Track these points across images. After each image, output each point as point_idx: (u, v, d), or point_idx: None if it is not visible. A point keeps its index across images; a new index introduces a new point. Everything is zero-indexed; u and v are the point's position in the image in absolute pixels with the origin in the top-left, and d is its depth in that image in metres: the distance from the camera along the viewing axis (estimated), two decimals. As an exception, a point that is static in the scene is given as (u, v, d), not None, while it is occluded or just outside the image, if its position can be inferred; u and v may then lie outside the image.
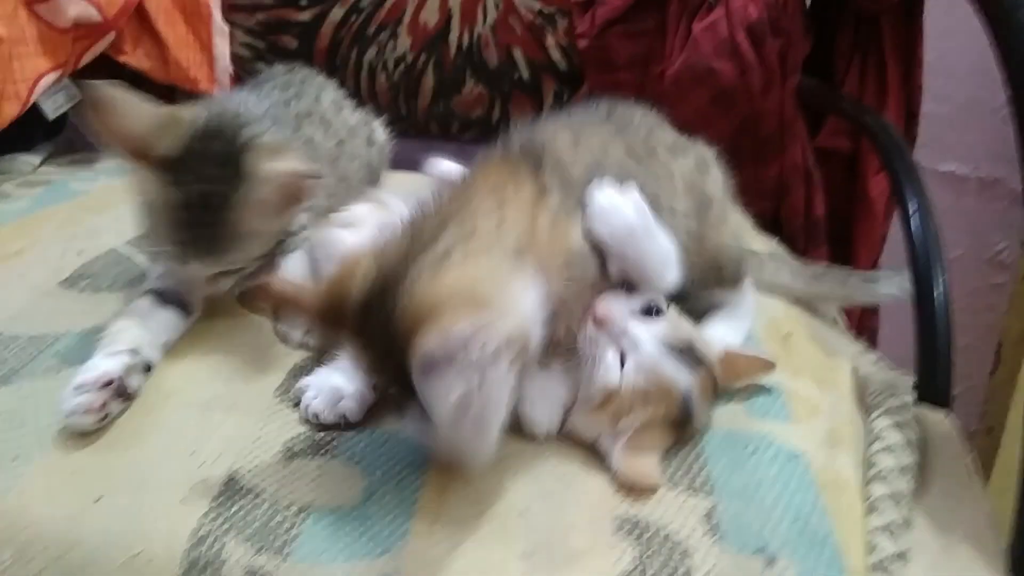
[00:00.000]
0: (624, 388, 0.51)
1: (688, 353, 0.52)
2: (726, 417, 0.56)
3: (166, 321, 0.61)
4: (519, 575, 0.45)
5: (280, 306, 0.57)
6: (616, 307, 0.53)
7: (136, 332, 0.58)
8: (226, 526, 0.46)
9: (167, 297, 0.62)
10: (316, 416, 0.54)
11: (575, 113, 0.70)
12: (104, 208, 0.87)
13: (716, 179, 0.67)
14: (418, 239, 0.50)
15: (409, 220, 0.53)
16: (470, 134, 1.16)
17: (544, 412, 0.52)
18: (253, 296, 0.58)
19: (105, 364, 0.54)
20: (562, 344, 0.51)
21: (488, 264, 0.48)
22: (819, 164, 1.03)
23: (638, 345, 0.51)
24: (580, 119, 0.67)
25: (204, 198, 0.57)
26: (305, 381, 0.56)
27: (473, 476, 0.50)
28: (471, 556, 0.45)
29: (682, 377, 0.51)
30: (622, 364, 0.51)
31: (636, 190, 0.55)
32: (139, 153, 0.58)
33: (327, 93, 0.80)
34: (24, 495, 0.48)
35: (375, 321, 0.47)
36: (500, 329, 0.42)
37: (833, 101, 1.04)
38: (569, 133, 0.61)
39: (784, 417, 0.56)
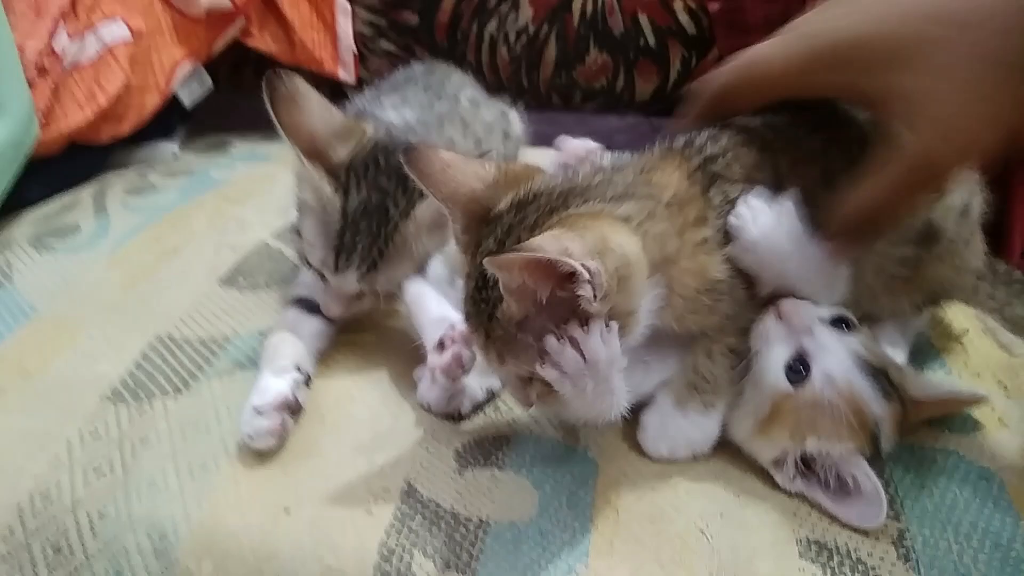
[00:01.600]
0: (804, 397, 0.48)
1: (883, 378, 0.48)
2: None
3: (315, 330, 0.63)
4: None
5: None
6: (804, 308, 0.50)
7: (293, 345, 0.60)
8: (411, 539, 0.48)
9: (313, 306, 0.64)
10: (428, 406, 0.56)
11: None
12: (247, 198, 0.90)
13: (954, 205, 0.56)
14: (577, 192, 0.47)
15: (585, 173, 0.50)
16: (592, 104, 1.14)
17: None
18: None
19: (277, 385, 0.55)
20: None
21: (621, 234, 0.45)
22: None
23: (826, 350, 0.48)
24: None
25: (375, 209, 0.58)
26: (422, 370, 0.57)
27: (644, 490, 0.50)
28: (657, 577, 0.45)
29: (875, 403, 0.48)
30: (805, 371, 0.49)
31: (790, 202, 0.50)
32: (316, 153, 0.58)
33: (465, 91, 0.80)
34: (218, 506, 0.50)
35: (500, 233, 0.46)
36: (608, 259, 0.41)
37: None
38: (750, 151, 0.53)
39: (970, 428, 0.53)
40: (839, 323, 0.50)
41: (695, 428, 0.51)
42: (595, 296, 0.40)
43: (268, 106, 0.56)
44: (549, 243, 0.40)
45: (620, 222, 0.45)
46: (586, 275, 0.39)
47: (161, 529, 0.49)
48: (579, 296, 0.40)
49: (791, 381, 0.49)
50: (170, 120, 1.09)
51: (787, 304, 0.50)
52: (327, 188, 0.58)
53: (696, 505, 0.49)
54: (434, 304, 0.58)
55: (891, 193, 0.46)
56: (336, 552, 0.47)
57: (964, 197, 0.57)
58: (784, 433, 0.48)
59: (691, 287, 0.48)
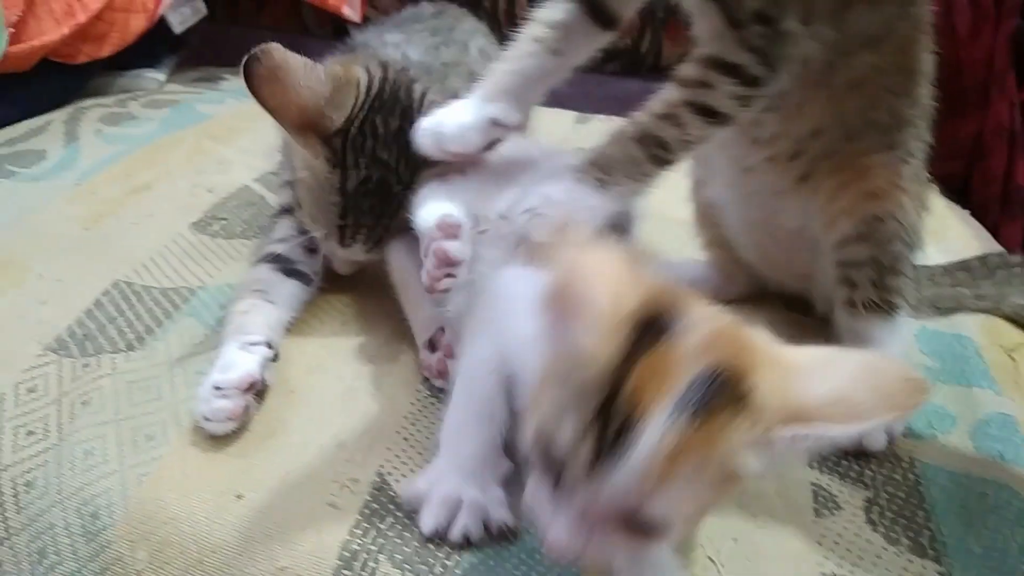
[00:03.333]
0: None
1: None
2: (948, 451, 0.47)
3: (289, 297, 0.56)
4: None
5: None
6: None
7: (265, 315, 0.53)
8: (378, 543, 0.41)
9: (288, 266, 0.57)
10: (468, 539, 0.40)
11: None
12: (232, 136, 0.83)
13: None
14: None
15: None
16: (614, 65, 1.06)
17: None
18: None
19: (245, 362, 0.48)
20: None
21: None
22: (1025, 124, 0.88)
23: None
24: None
25: (377, 186, 0.51)
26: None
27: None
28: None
29: None
30: None
31: None
32: (308, 127, 0.51)
33: (476, 40, 0.72)
34: (160, 485, 0.44)
35: None
36: None
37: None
38: None
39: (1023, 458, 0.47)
40: None
41: None
42: None
43: (250, 92, 0.48)
44: None
45: None
46: None
47: (94, 507, 0.43)
48: None
49: None
50: (158, 49, 1.01)
51: None
52: (323, 166, 0.51)
53: (705, 528, 0.43)
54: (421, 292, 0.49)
55: None
56: (291, 550, 0.41)
57: None
58: None
59: None
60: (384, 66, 0.54)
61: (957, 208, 0.83)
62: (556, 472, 0.31)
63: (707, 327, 0.30)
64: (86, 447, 0.46)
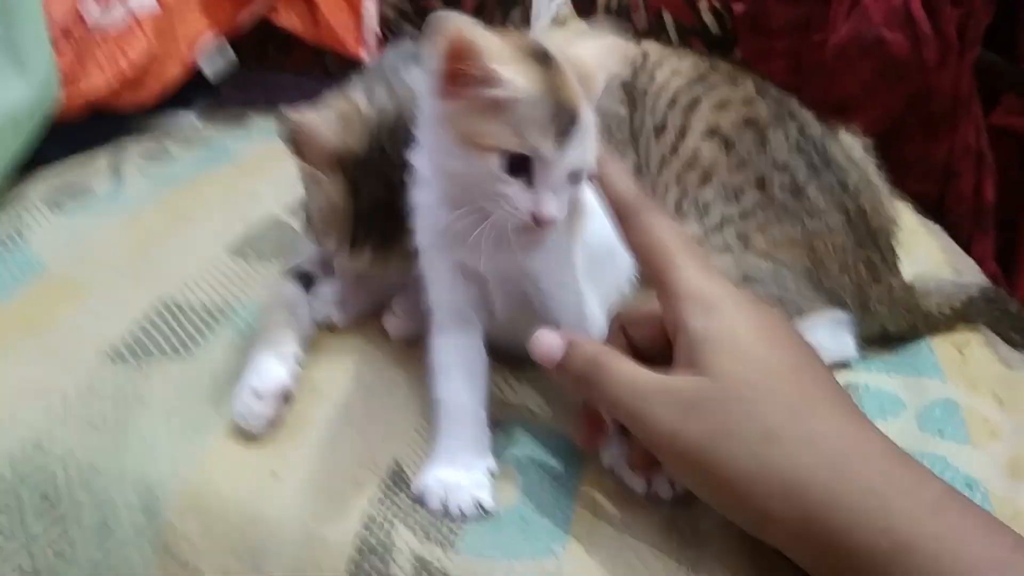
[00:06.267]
0: None
1: None
2: (896, 431, 0.53)
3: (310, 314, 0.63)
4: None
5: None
6: None
7: (295, 327, 0.60)
8: (394, 511, 0.48)
9: (310, 282, 0.65)
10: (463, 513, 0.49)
11: None
12: (261, 172, 0.90)
13: None
14: None
15: None
16: (611, 100, 1.14)
17: None
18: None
19: (279, 372, 0.55)
20: None
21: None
22: (992, 145, 0.95)
23: None
24: None
25: (384, 205, 0.57)
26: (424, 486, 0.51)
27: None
28: (634, 565, 0.45)
29: None
30: None
31: None
32: (337, 163, 0.58)
33: None
34: (208, 467, 0.51)
35: None
36: None
37: (1013, 78, 0.96)
38: None
39: (961, 438, 0.53)
40: None
41: None
42: None
43: (296, 156, 0.57)
44: None
45: None
46: None
47: (150, 485, 0.50)
48: None
49: None
50: (191, 92, 1.09)
51: None
52: (339, 188, 0.58)
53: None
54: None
55: None
56: (319, 517, 0.48)
57: None
58: None
59: None
60: (388, 88, 0.61)
61: (930, 224, 0.89)
62: (525, 174, 0.45)
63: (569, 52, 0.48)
64: (141, 437, 0.53)
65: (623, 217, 0.49)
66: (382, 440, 0.53)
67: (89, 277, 0.69)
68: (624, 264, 0.57)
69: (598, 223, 0.52)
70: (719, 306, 0.44)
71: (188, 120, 1.08)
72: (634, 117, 0.74)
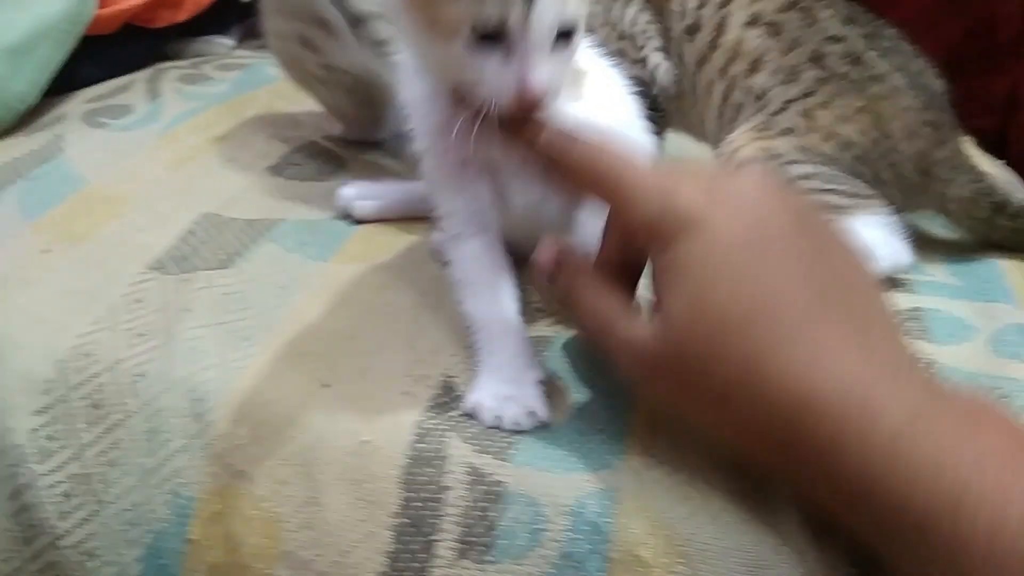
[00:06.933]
0: None
1: None
2: (967, 356, 0.51)
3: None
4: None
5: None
6: None
7: None
8: (447, 424, 0.47)
9: None
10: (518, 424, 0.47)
11: None
12: (298, 98, 0.88)
13: None
14: None
15: None
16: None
17: None
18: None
19: None
20: None
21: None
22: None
23: None
24: None
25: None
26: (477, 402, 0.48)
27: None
28: (695, 478, 0.44)
29: None
30: None
31: None
32: None
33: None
34: (257, 376, 0.50)
35: None
36: None
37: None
38: None
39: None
40: None
41: None
42: None
43: None
44: None
45: None
46: None
47: (200, 393, 0.49)
48: None
49: None
50: (227, 17, 1.07)
51: None
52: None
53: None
54: None
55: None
56: (371, 427, 0.47)
57: None
58: None
59: None
60: None
61: (992, 160, 0.86)
62: (499, 47, 0.41)
63: None
64: (190, 345, 0.52)
65: (554, 163, 0.44)
66: (432, 354, 0.52)
67: (130, 192, 0.68)
68: (642, 148, 0.54)
69: (606, 100, 0.49)
70: (681, 233, 0.38)
71: (224, 45, 1.06)
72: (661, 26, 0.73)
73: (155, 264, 0.58)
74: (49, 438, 0.50)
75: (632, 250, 0.46)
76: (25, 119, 0.79)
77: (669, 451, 0.46)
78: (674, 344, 0.39)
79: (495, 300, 0.50)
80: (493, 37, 0.41)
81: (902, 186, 0.64)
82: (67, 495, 0.49)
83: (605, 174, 0.41)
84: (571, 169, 0.43)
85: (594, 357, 0.52)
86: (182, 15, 0.95)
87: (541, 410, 0.47)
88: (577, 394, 0.50)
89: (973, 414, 0.35)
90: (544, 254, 0.47)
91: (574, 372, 0.51)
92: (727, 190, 0.40)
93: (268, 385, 0.50)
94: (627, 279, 0.47)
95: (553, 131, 0.43)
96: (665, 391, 0.42)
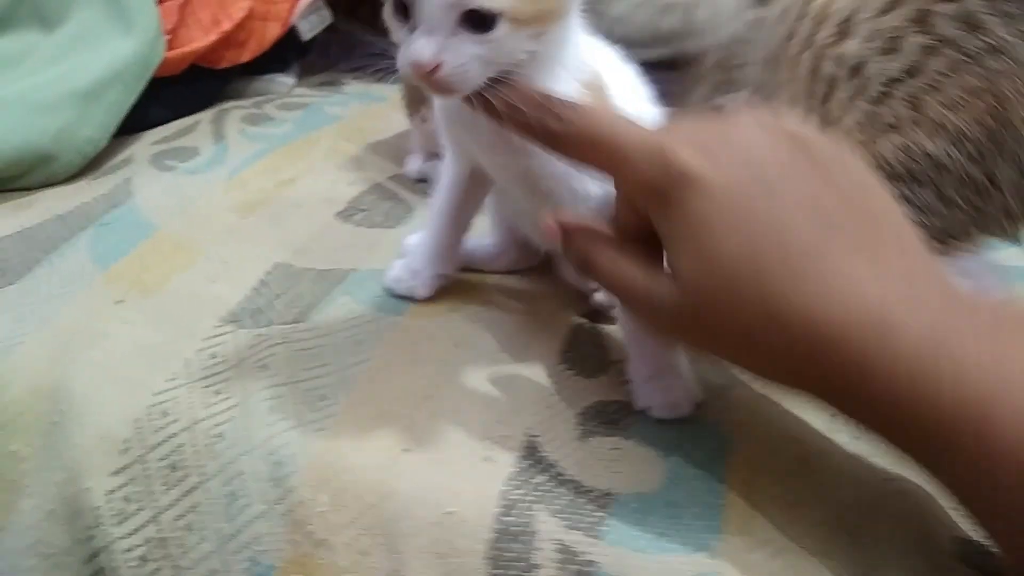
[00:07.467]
0: None
1: None
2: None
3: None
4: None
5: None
6: None
7: None
8: (534, 495, 0.45)
9: None
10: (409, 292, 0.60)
11: None
12: (360, 137, 0.88)
13: None
14: None
15: None
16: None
17: None
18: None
19: None
20: None
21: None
22: None
23: None
24: None
25: None
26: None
27: (781, 474, 0.47)
28: (797, 568, 0.42)
29: None
30: None
31: None
32: None
33: None
34: (336, 438, 0.49)
35: None
36: None
37: None
38: None
39: None
40: None
41: None
42: None
43: None
44: None
45: None
46: None
47: (279, 456, 0.48)
48: None
49: None
50: (286, 55, 1.08)
51: None
52: None
53: (837, 493, 0.45)
54: None
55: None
56: (456, 498, 0.46)
57: None
58: None
59: None
60: None
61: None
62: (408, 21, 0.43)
63: None
64: (268, 404, 0.51)
65: (549, 137, 0.43)
66: (512, 413, 0.51)
67: (199, 239, 0.68)
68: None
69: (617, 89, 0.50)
70: (679, 192, 0.39)
71: (284, 82, 1.06)
72: None
73: (230, 317, 0.58)
74: (126, 500, 0.49)
75: (643, 212, 0.44)
76: (93, 161, 0.80)
77: (768, 528, 0.44)
78: (691, 302, 0.40)
79: (442, 206, 0.59)
80: (404, 12, 0.43)
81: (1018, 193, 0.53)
82: (144, 559, 0.48)
83: (599, 142, 0.42)
84: (565, 140, 0.43)
85: (683, 422, 0.51)
86: (246, 55, 0.96)
87: (420, 294, 0.60)
88: (668, 460, 0.48)
89: (998, 319, 0.35)
90: (548, 223, 0.46)
91: (660, 436, 0.50)
92: (719, 140, 0.40)
93: (348, 450, 0.48)
94: (646, 239, 0.44)
95: (543, 101, 0.43)
96: (694, 342, 0.44)
